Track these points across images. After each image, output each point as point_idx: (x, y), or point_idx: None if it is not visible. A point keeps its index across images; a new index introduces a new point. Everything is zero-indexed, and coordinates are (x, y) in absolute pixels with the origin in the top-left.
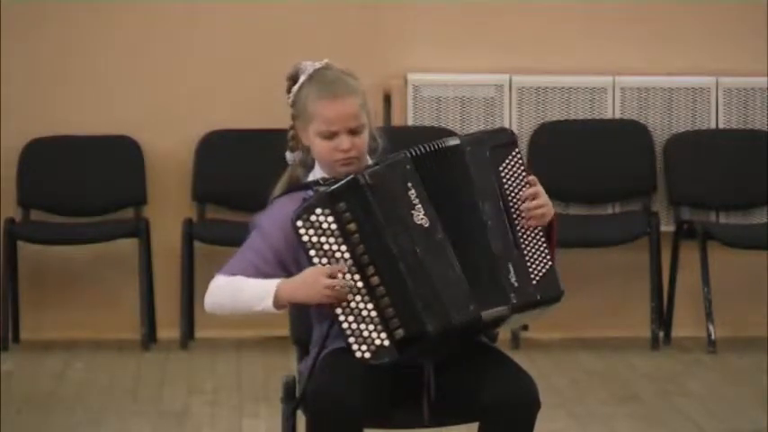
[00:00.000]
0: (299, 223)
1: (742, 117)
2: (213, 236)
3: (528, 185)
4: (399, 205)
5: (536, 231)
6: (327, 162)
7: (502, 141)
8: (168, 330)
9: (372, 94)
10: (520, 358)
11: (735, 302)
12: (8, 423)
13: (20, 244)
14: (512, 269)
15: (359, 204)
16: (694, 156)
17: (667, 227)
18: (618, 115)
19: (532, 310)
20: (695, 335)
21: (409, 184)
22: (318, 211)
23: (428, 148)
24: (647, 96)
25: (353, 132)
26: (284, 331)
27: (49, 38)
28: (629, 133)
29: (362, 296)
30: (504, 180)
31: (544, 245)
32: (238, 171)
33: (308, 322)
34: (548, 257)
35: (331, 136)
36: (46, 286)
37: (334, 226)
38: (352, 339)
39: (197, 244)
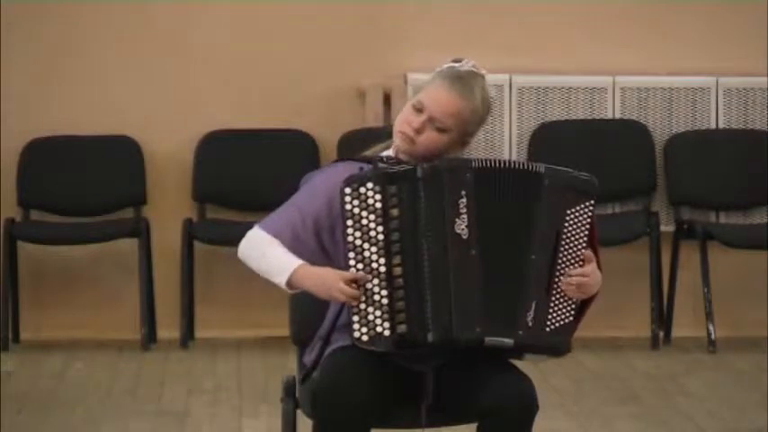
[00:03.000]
0: (348, 190)
1: (742, 117)
2: (213, 236)
3: (581, 252)
4: (446, 209)
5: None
6: (396, 128)
7: (582, 188)
8: (168, 330)
9: (372, 93)
10: None
11: (735, 302)
12: (8, 423)
13: (20, 244)
14: (533, 309)
15: (409, 194)
16: (694, 156)
17: (667, 227)
18: (618, 115)
19: (534, 353)
20: (695, 335)
21: (463, 192)
22: (370, 185)
23: (496, 165)
24: (647, 96)
25: (434, 125)
26: (284, 331)
27: (50, 37)
28: (629, 133)
29: (381, 281)
30: (567, 224)
31: (573, 301)
32: (238, 171)
33: (308, 321)
34: (571, 313)
35: (418, 111)
36: (46, 286)
37: (378, 204)
38: (355, 318)
39: (197, 244)
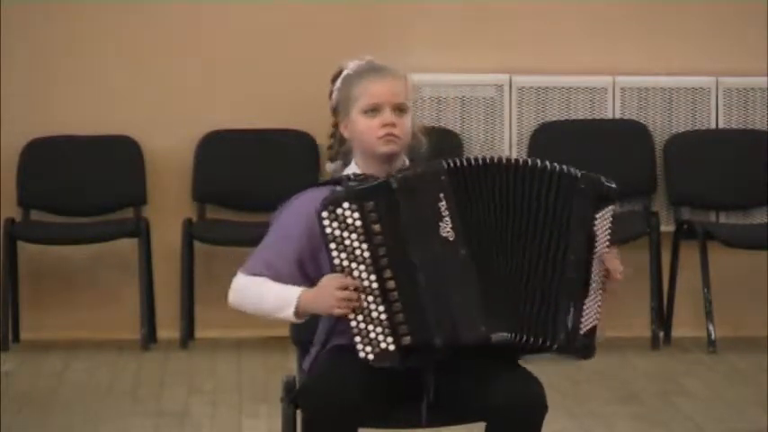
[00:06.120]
0: (325, 214)
1: (742, 117)
2: (213, 236)
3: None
4: (427, 215)
5: (601, 288)
6: (370, 141)
7: (608, 193)
8: (168, 330)
9: None
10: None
11: (735, 302)
12: (8, 423)
13: (20, 244)
14: (572, 312)
15: (387, 206)
16: (694, 156)
17: (667, 227)
18: (618, 115)
19: (570, 356)
20: (695, 335)
21: (441, 195)
22: (345, 205)
23: (466, 163)
24: (647, 96)
25: (398, 110)
26: (284, 331)
27: (49, 38)
28: (629, 133)
29: (375, 297)
30: (596, 228)
31: (600, 301)
32: (238, 171)
33: (308, 321)
34: (598, 314)
35: (375, 111)
36: (46, 286)
37: (358, 223)
38: (358, 338)
39: (197, 244)
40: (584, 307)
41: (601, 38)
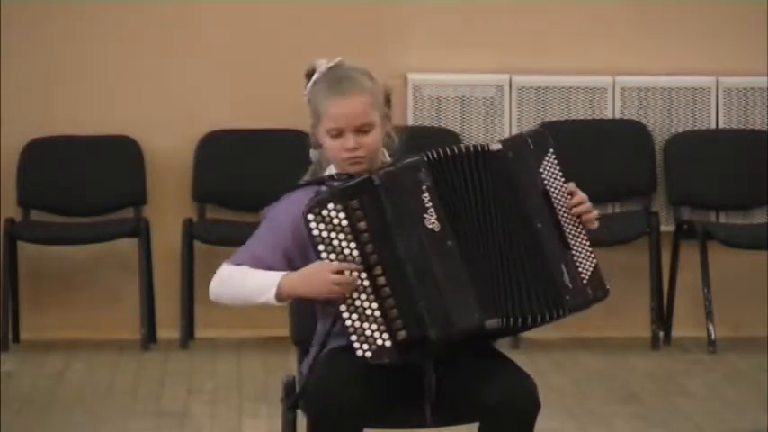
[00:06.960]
0: (311, 216)
1: (742, 117)
2: (213, 236)
3: (569, 191)
4: (412, 208)
5: (580, 229)
6: (336, 161)
7: (538, 143)
8: (168, 330)
9: None
10: (520, 358)
11: (735, 302)
12: (8, 423)
13: (20, 244)
14: (565, 270)
15: (371, 204)
16: (694, 156)
17: (667, 227)
18: (618, 115)
19: (585, 309)
20: (695, 335)
21: (423, 188)
22: (330, 206)
23: (449, 152)
24: (647, 96)
25: (361, 131)
26: (284, 331)
27: (50, 38)
28: (629, 133)
29: (368, 295)
30: (545, 181)
31: (588, 242)
32: (238, 171)
33: (308, 322)
34: (592, 255)
35: (338, 135)
36: (46, 286)
37: (344, 222)
38: (354, 337)
39: (197, 244)
40: (574, 258)
41: (601, 38)
